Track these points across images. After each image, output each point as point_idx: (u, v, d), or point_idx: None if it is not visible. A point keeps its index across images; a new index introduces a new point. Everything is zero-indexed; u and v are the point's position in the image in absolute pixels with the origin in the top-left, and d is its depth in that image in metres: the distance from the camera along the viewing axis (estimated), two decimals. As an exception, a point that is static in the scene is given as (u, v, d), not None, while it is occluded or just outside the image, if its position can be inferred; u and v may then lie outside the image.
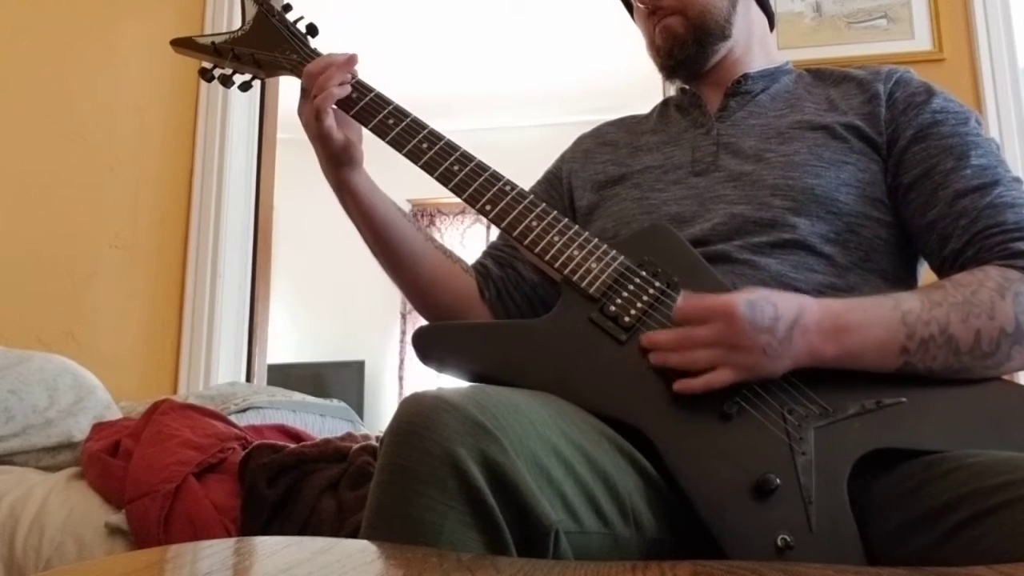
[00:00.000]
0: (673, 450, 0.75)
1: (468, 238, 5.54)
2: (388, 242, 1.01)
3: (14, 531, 1.26)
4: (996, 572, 0.50)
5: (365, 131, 0.98)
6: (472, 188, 0.93)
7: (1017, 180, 0.91)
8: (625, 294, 0.84)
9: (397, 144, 0.95)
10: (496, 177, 0.94)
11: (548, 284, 1.05)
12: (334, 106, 0.95)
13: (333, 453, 1.28)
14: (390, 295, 4.57)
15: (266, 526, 1.18)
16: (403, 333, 5.43)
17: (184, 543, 0.68)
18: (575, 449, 0.68)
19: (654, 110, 1.15)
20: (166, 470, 1.24)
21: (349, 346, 5.34)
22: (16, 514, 1.27)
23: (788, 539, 0.69)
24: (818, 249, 0.90)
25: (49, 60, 2.29)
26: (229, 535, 1.18)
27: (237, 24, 1.07)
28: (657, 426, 0.76)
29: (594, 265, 0.86)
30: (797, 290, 0.86)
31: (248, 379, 2.38)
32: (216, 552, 0.54)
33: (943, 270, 0.92)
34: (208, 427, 1.37)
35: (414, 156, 0.95)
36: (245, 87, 1.08)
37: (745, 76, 1.04)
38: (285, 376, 4.14)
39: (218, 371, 2.25)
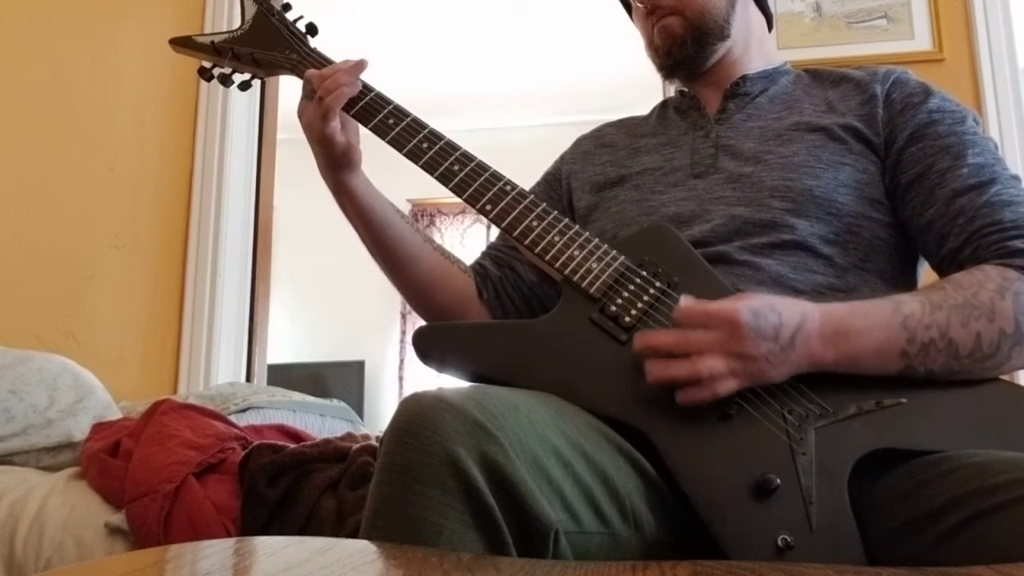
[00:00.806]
0: (673, 450, 0.75)
1: (468, 238, 5.54)
2: (386, 243, 1.01)
3: (14, 531, 1.26)
4: (996, 572, 0.50)
5: (364, 131, 0.98)
6: (472, 188, 0.93)
7: (1015, 178, 0.91)
8: (626, 294, 0.84)
9: (397, 144, 0.95)
10: (496, 177, 0.94)
11: (546, 285, 1.05)
12: None
13: (333, 453, 1.28)
14: (390, 295, 4.57)
15: (266, 526, 1.18)
16: (403, 333, 5.43)
17: (184, 543, 0.68)
18: (575, 449, 0.68)
19: (652, 112, 1.15)
20: (166, 470, 1.24)
21: (349, 346, 5.34)
22: (16, 514, 1.27)
23: (788, 539, 0.69)
24: (817, 250, 0.90)
25: (49, 60, 2.29)
26: (229, 535, 1.18)
27: (237, 23, 1.07)
28: (657, 426, 0.76)
29: (594, 265, 0.86)
30: (796, 291, 0.86)
31: (248, 379, 2.38)
32: (216, 552, 0.54)
33: (942, 269, 0.91)
34: (208, 427, 1.37)
35: (414, 156, 0.95)
36: (244, 86, 1.08)
37: (744, 78, 1.04)
38: (285, 376, 4.14)
39: (218, 371, 2.25)
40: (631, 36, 1.14)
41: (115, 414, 1.62)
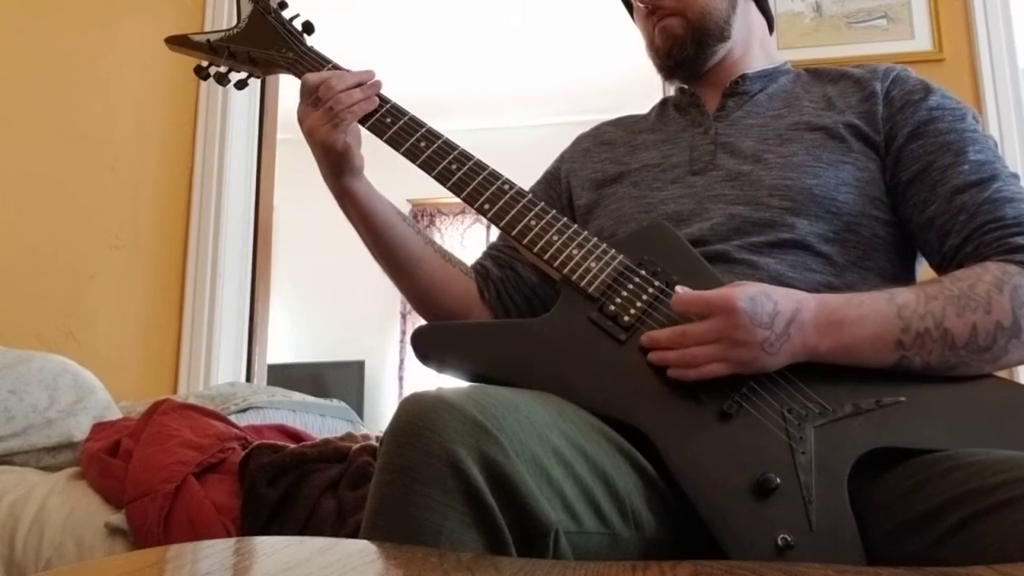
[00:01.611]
0: (673, 449, 0.75)
1: (468, 238, 5.54)
2: (388, 247, 1.01)
3: (14, 531, 1.26)
4: (996, 572, 0.50)
5: (363, 131, 0.98)
6: (470, 187, 0.93)
7: (1015, 176, 0.91)
8: (624, 293, 0.84)
9: (395, 143, 0.95)
10: (494, 176, 0.94)
11: (547, 285, 1.05)
12: None
13: (333, 453, 1.28)
14: (390, 295, 4.57)
15: (266, 526, 1.18)
16: (403, 333, 5.43)
17: (184, 543, 0.68)
18: (575, 449, 0.68)
19: (653, 109, 1.15)
20: (166, 470, 1.24)
21: (349, 346, 5.34)
22: (16, 514, 1.27)
23: (788, 539, 0.69)
24: (816, 248, 0.90)
25: (49, 60, 2.29)
26: (229, 535, 1.18)
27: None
28: (656, 426, 0.76)
29: (593, 264, 0.86)
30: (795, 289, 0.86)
31: (248, 379, 2.38)
32: (216, 552, 0.54)
33: (943, 266, 0.91)
34: (208, 427, 1.37)
35: (412, 155, 0.94)
36: (241, 85, 1.08)
37: (743, 76, 1.05)
38: (285, 376, 4.14)
39: (218, 371, 2.25)
40: (631, 36, 1.14)
41: (115, 414, 1.62)
